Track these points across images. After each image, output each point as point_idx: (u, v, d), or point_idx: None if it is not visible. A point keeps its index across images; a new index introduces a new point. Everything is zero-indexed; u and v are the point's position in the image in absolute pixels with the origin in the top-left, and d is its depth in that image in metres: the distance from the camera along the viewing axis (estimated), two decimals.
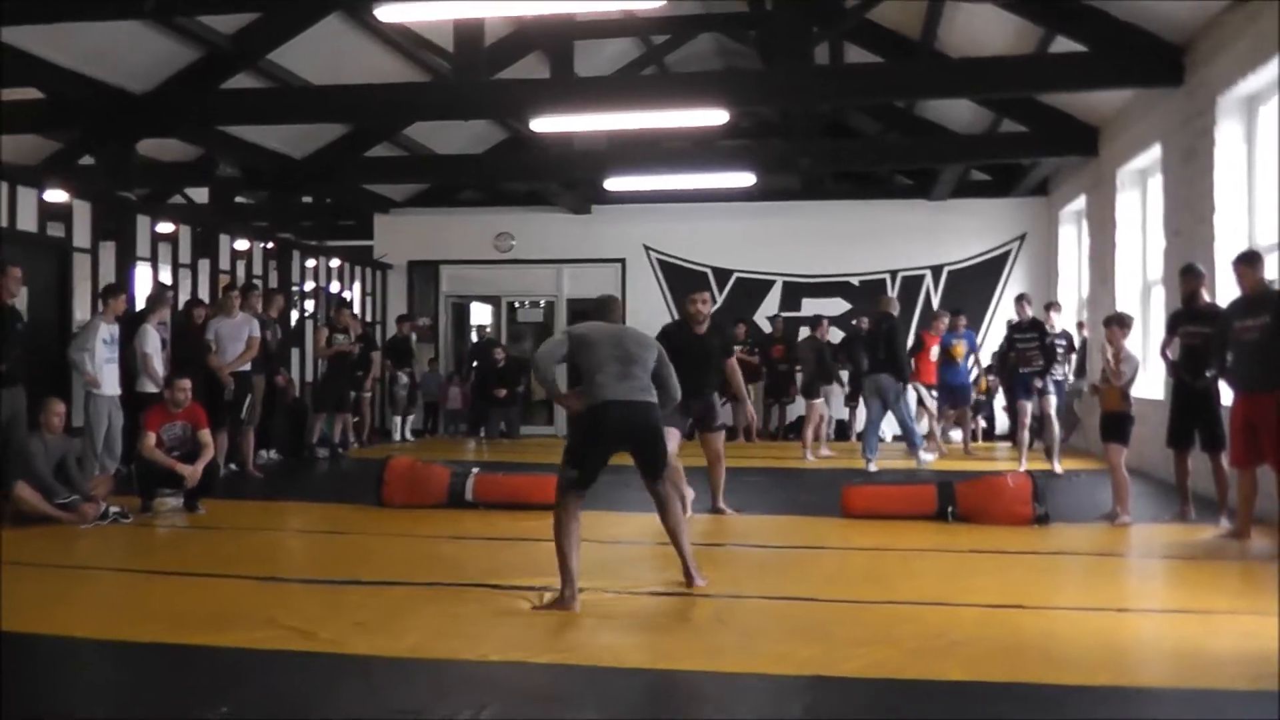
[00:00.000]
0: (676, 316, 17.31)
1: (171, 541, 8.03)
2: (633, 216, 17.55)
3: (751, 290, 17.38)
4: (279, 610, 5.43)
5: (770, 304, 17.28)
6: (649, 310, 17.44)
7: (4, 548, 7.02)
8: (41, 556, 7.01)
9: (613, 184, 15.65)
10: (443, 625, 5.20)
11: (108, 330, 9.97)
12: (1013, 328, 12.31)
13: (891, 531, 7.92)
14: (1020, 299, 12.37)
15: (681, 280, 17.55)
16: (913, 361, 13.76)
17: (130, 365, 10.54)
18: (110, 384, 9.93)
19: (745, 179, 14.93)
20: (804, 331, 16.79)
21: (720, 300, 17.41)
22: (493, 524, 8.20)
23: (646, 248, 17.74)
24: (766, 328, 16.93)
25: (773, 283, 17.38)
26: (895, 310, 13.04)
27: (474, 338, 19.26)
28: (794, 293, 17.32)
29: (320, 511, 9.27)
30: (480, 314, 21.12)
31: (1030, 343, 11.85)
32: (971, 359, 13.99)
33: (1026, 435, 12.08)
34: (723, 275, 17.51)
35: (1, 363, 8.73)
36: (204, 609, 5.55)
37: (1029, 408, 11.98)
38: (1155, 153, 11.38)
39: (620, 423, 5.68)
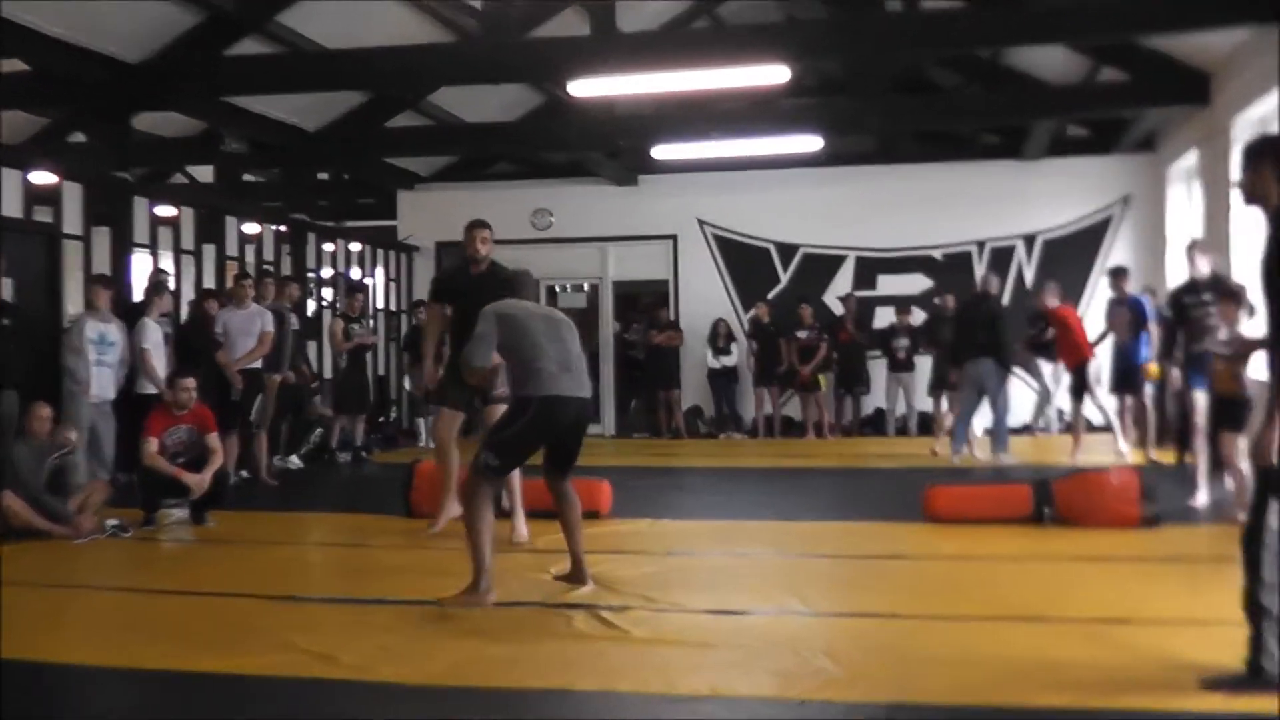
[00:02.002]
0: (736, 298, 17.60)
1: (177, 557, 8.11)
2: (684, 188, 17.50)
3: (820, 267, 17.28)
4: (297, 633, 5.47)
5: (841, 282, 17.17)
6: (706, 293, 17.42)
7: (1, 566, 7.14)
8: (33, 574, 7.10)
9: (661, 152, 15.59)
10: (478, 648, 5.20)
11: (97, 327, 10.01)
12: (1183, 290, 9.72)
13: (980, 537, 7.86)
14: (1193, 247, 9.90)
15: (741, 258, 17.50)
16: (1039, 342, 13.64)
17: (131, 364, 10.67)
18: (100, 387, 9.98)
19: (811, 142, 14.82)
20: (881, 313, 16.75)
21: (785, 279, 17.33)
22: (535, 534, 8.19)
23: (701, 222, 17.68)
24: (838, 308, 16.81)
25: (843, 258, 17.27)
26: (995, 288, 12.92)
27: None
28: (868, 269, 17.19)
29: (342, 522, 9.32)
30: None
31: (1205, 306, 9.25)
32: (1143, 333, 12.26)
33: (1202, 442, 9.22)
34: (787, 251, 17.42)
35: None
36: (214, 631, 5.60)
37: (1202, 400, 9.16)
38: (1275, 99, 11.16)
39: (570, 421, 6.06)
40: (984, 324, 12.18)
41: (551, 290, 19.43)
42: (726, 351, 16.81)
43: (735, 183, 17.30)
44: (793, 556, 7.42)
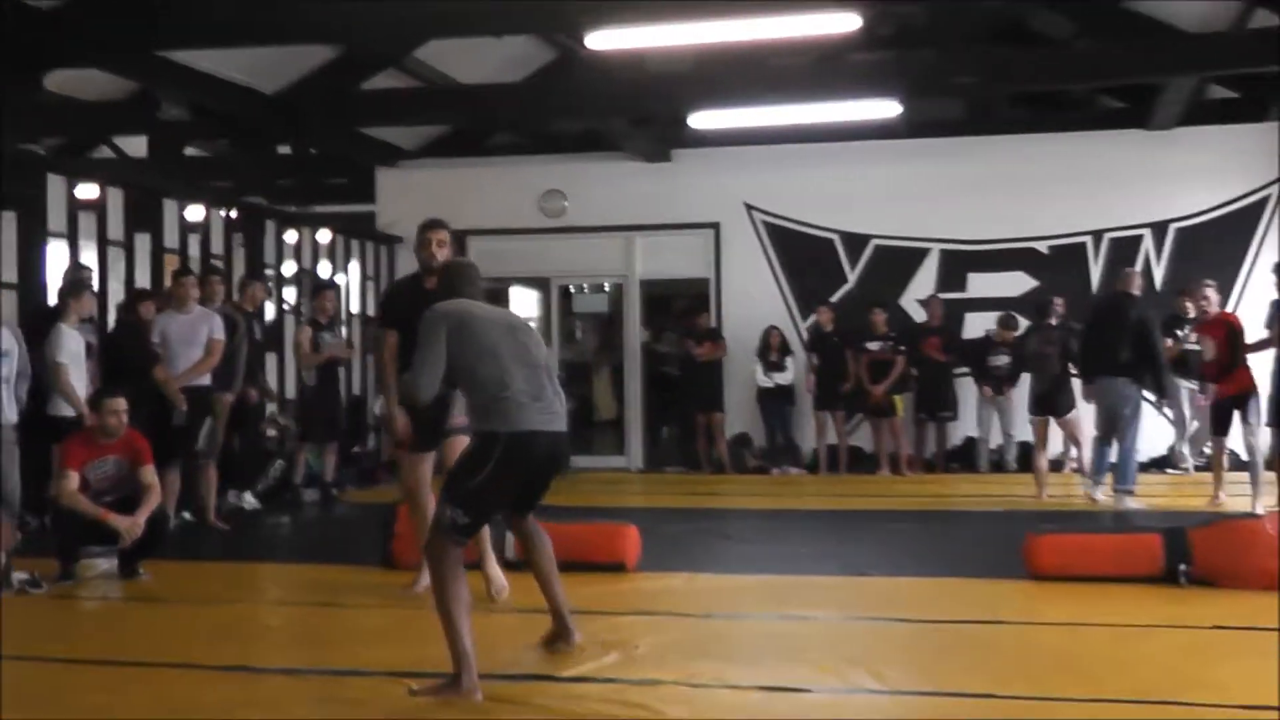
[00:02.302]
0: (792, 301, 17.57)
1: (102, 618, 8.11)
2: (729, 164, 17.49)
3: (896, 263, 17.23)
4: (251, 710, 5.46)
5: (923, 281, 17.11)
6: (755, 295, 17.38)
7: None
8: None
9: (701, 120, 15.59)
10: None
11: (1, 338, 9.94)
12: None
13: (1096, 599, 7.80)
14: None
15: (799, 251, 17.46)
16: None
17: (43, 381, 10.69)
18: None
19: (885, 108, 14.79)
20: (971, 320, 16.68)
21: (853, 277, 17.29)
22: (539, 591, 8.17)
23: (749, 207, 17.66)
24: (918, 314, 16.75)
25: (926, 252, 17.22)
26: (1138, 286, 12.73)
27: None
28: (956, 265, 17.14)
29: (307, 576, 9.32)
30: (523, 302, 21.19)
31: None
32: None
33: None
34: (856, 243, 17.38)
35: None
36: (148, 708, 5.58)
37: None
38: None
39: (545, 459, 6.05)
40: (1129, 333, 12.07)
41: (566, 291, 19.52)
42: (780, 367, 16.78)
43: (792, 158, 17.28)
44: (863, 620, 7.39)
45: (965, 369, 16.35)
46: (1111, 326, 12.31)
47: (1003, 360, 15.49)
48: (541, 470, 6.13)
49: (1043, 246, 16.96)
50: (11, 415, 9.88)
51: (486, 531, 7.65)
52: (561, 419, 6.13)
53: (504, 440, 5.84)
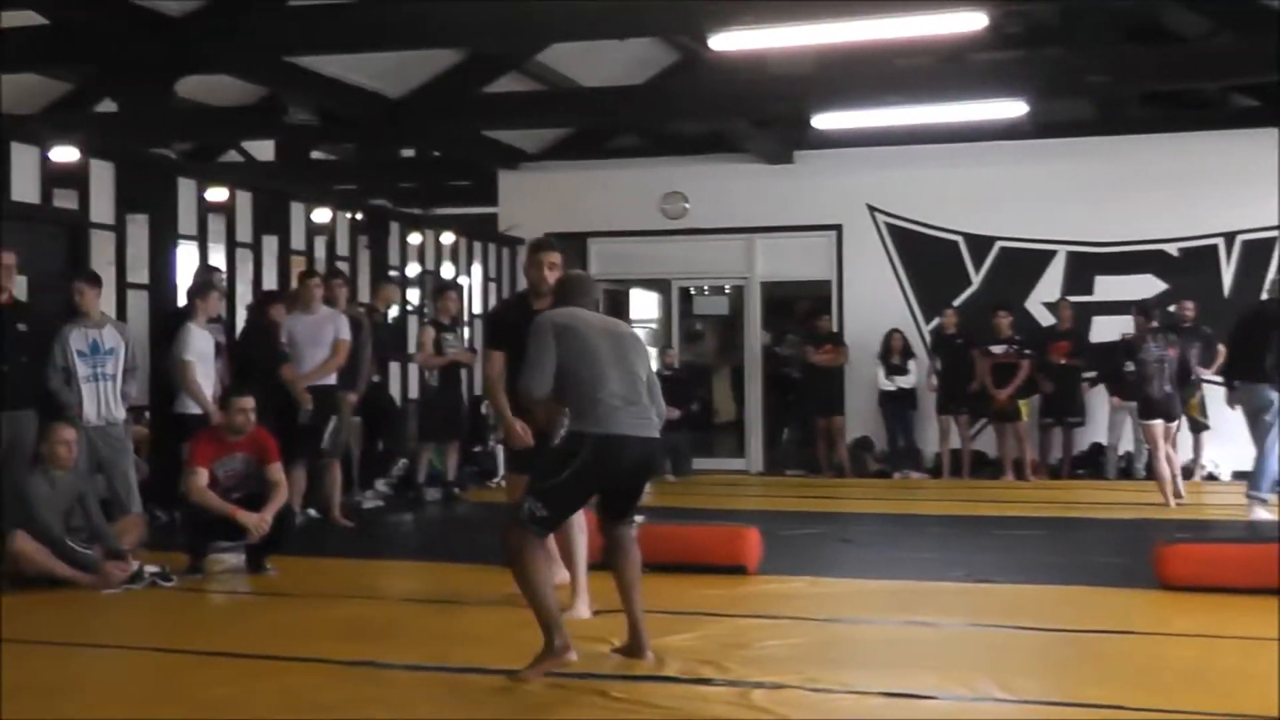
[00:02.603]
0: (915, 304, 17.41)
1: (229, 612, 8.25)
2: (852, 165, 17.39)
3: (1022, 265, 17.03)
4: (376, 707, 5.51)
5: (1049, 284, 16.90)
6: (877, 298, 17.27)
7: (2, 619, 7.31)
8: (49, 630, 7.24)
9: (824, 120, 15.51)
10: None
11: (85, 335, 10.04)
12: None
13: (1229, 610, 7.65)
14: None
15: (922, 253, 17.32)
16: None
17: (170, 379, 10.89)
18: (98, 408, 10.01)
19: (1012, 108, 14.63)
20: (1099, 323, 16.44)
21: (978, 280, 17.11)
22: (662, 592, 8.10)
23: (872, 209, 17.55)
24: (1045, 318, 16.53)
25: (1052, 254, 17.00)
26: None
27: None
28: (1083, 267, 16.89)
29: (431, 573, 9.39)
30: (643, 304, 21.23)
31: None
32: None
33: None
34: (980, 245, 17.20)
35: None
36: (273, 703, 5.64)
37: None
38: None
39: (633, 467, 6.12)
40: (1276, 339, 11.83)
41: (686, 292, 19.51)
42: (902, 370, 16.66)
43: (916, 159, 17.14)
44: (988, 628, 7.30)
45: (1092, 373, 16.13)
46: (1257, 332, 12.08)
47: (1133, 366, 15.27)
48: (629, 475, 6.19)
49: (1172, 249, 16.67)
50: (119, 413, 10.03)
51: (583, 549, 7.53)
52: (654, 426, 6.19)
53: (591, 441, 5.95)
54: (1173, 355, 13.11)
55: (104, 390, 9.93)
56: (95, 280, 10.27)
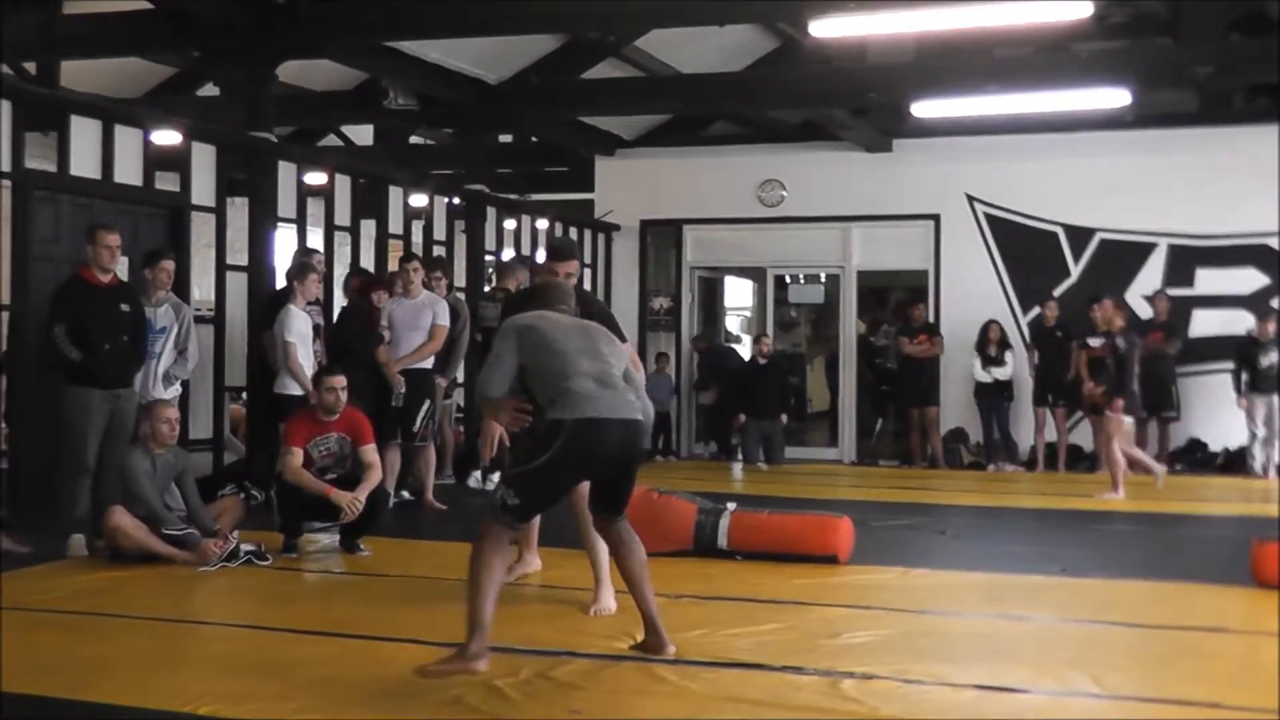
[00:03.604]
0: (1012, 295, 17.23)
1: (324, 591, 8.33)
2: (951, 154, 17.27)
3: (1122, 257, 16.83)
4: (466, 687, 5.54)
5: (1149, 276, 16.69)
6: (975, 288, 17.14)
7: (97, 593, 7.41)
8: (148, 606, 7.37)
9: (923, 109, 15.41)
10: (681, 715, 5.25)
11: (157, 315, 10.01)
12: None
13: None
14: None
15: (1021, 245, 17.17)
16: None
17: (269, 359, 11.03)
18: (151, 384, 9.93)
19: (1115, 97, 14.44)
20: (1200, 317, 16.21)
21: (1076, 272, 16.92)
22: (753, 580, 8.21)
23: (970, 198, 17.41)
24: (1144, 310, 16.34)
25: (1153, 247, 16.79)
26: None
27: (727, 326, 19.31)
28: (1184, 260, 16.67)
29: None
30: (738, 291, 21.23)
31: None
32: None
33: None
34: (1080, 236, 17.01)
35: (93, 357, 9.11)
36: (367, 680, 5.71)
37: None
38: None
39: (614, 449, 5.88)
40: None
41: (781, 281, 19.47)
42: (999, 361, 16.52)
43: (1016, 149, 17.00)
44: (1082, 623, 7.24)
45: (1190, 367, 15.96)
46: None
47: (1275, 359, 15.14)
48: (613, 461, 5.97)
49: (1275, 242, 16.39)
50: (160, 391, 9.93)
51: (603, 563, 7.25)
52: (634, 408, 5.98)
53: (568, 426, 5.77)
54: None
55: (149, 369, 9.95)
56: (155, 257, 10.23)
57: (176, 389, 10.28)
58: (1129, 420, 13.43)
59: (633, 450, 6.04)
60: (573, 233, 18.04)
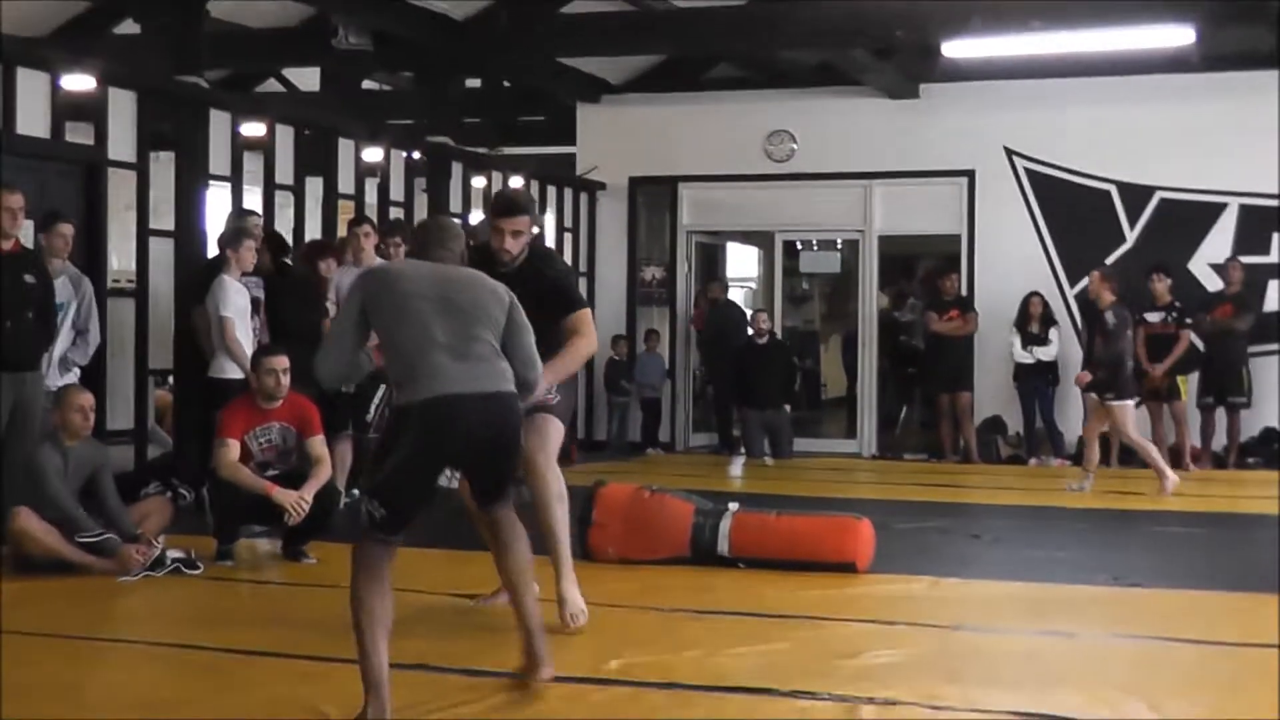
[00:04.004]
0: (1058, 264, 17.25)
1: (263, 604, 8.31)
2: (987, 102, 17.32)
3: (1185, 220, 16.90)
4: (427, 710, 5.57)
5: (1217, 242, 16.76)
6: (1014, 256, 17.18)
7: (2, 607, 7.41)
8: (62, 622, 7.33)
9: (956, 49, 15.42)
10: None
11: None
12: None
13: None
14: None
15: (1068, 206, 17.20)
16: None
17: (199, 338, 11.01)
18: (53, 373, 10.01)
19: (1178, 35, 14.47)
20: (1277, 287, 16.25)
21: (1133, 237, 16.93)
22: (758, 592, 8.23)
23: (1009, 152, 17.44)
24: (1210, 281, 16.36)
25: (1221, 208, 16.85)
26: None
27: (731, 300, 19.31)
28: (1258, 223, 16.75)
29: (489, 564, 9.40)
30: (740, 260, 21.22)
31: None
32: None
33: None
34: (1137, 195, 17.04)
35: None
36: (311, 709, 5.69)
37: None
38: None
39: (474, 429, 5.62)
40: None
41: (791, 247, 19.47)
42: (1042, 340, 16.57)
43: (1062, 95, 17.05)
44: (1137, 639, 7.27)
45: (1272, 346, 16.05)
46: None
47: None
48: (472, 444, 5.71)
49: None
50: (55, 380, 9.93)
51: (564, 543, 7.22)
52: (490, 379, 5.68)
53: (416, 410, 5.56)
54: None
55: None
56: (52, 220, 10.18)
57: (74, 376, 10.23)
58: (1130, 404, 13.60)
59: (498, 428, 5.73)
60: (551, 192, 18.04)
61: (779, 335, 17.77)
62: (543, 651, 5.90)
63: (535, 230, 7.42)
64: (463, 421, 5.59)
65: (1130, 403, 13.59)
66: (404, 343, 5.63)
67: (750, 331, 17.53)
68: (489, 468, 5.90)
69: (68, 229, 10.11)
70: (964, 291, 17.27)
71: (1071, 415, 16.60)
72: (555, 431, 7.23)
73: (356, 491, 11.52)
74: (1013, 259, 17.23)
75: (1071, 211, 17.20)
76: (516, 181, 17.41)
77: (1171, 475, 13.30)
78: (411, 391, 5.57)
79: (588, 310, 7.28)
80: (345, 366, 5.88)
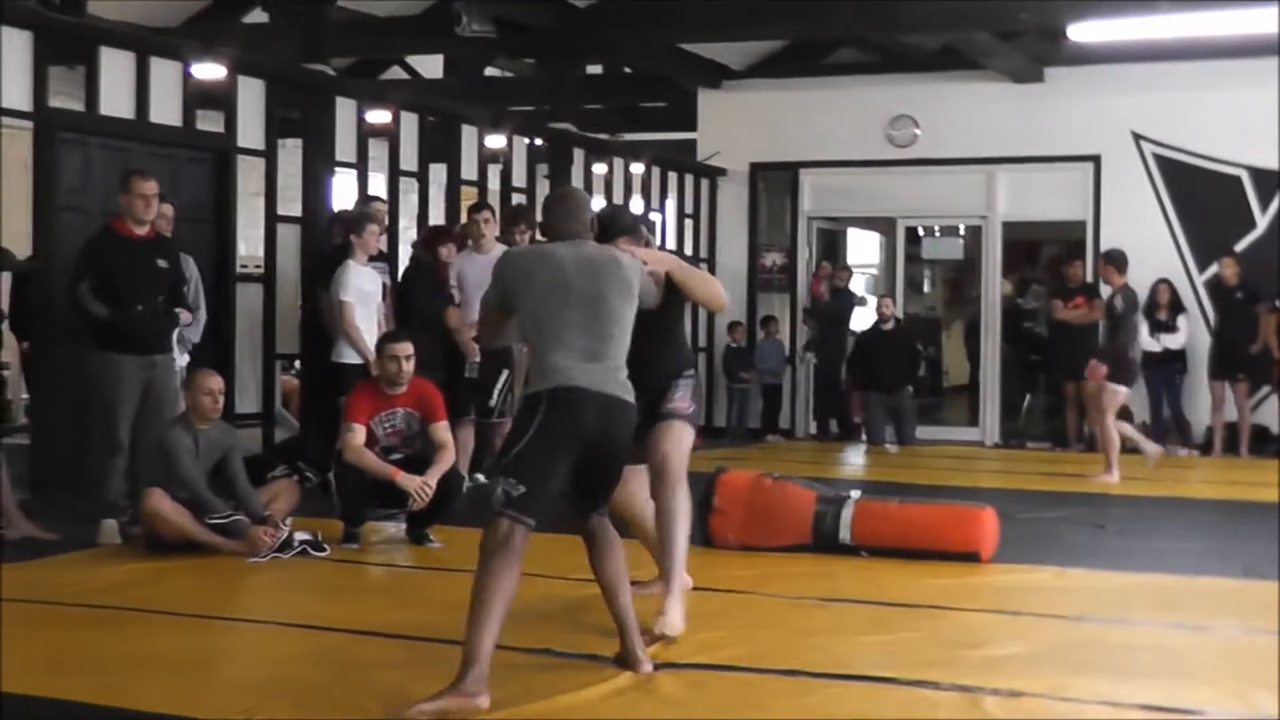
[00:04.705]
0: (1187, 250, 17.05)
1: (389, 588, 8.42)
2: (1114, 85, 17.14)
3: None
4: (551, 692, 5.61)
5: None
6: (1141, 242, 16.88)
7: (132, 585, 7.52)
8: (191, 601, 7.48)
9: (1082, 31, 15.25)
10: None
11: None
12: None
13: None
14: None
15: (1197, 192, 16.99)
16: None
17: (326, 323, 11.13)
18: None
19: None
20: None
21: (1264, 223, 16.69)
22: (881, 580, 8.20)
23: (1137, 137, 17.26)
24: None
25: None
26: None
27: (852, 286, 19.24)
28: None
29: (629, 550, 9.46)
30: (863, 246, 21.13)
31: None
32: None
33: None
34: (1268, 181, 16.81)
35: (125, 318, 9.18)
36: (432, 686, 5.72)
37: None
38: None
39: (594, 427, 5.78)
40: None
41: (913, 233, 19.38)
42: (1170, 328, 16.38)
43: (1192, 78, 16.85)
44: (1267, 633, 7.10)
45: None
46: None
47: None
48: (594, 439, 5.82)
49: None
50: (180, 359, 10.10)
51: (680, 561, 7.03)
52: (622, 387, 5.90)
53: (545, 396, 5.74)
54: None
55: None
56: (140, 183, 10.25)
57: (186, 356, 10.37)
58: (1124, 390, 13.55)
59: (612, 432, 5.90)
60: (672, 178, 18.04)
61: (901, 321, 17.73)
62: (639, 651, 6.08)
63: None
64: (583, 412, 5.77)
65: (1123, 388, 13.56)
66: (540, 338, 5.86)
67: (875, 317, 17.50)
68: (595, 467, 5.97)
69: (168, 209, 10.15)
70: (1089, 278, 17.10)
71: (1200, 404, 16.43)
72: (689, 440, 7.16)
73: (480, 476, 11.73)
74: (1140, 245, 16.88)
75: (1200, 197, 16.99)
76: (638, 168, 17.46)
77: (1116, 473, 13.38)
78: (541, 381, 5.78)
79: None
80: (501, 341, 6.02)
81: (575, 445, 5.81)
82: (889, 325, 17.19)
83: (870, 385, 16.96)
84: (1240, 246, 16.57)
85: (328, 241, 12.11)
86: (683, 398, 7.03)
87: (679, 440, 7.01)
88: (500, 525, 5.65)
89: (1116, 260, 13.76)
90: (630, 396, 5.95)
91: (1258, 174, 16.85)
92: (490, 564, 5.62)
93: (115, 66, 10.87)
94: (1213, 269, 16.56)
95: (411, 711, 5.36)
